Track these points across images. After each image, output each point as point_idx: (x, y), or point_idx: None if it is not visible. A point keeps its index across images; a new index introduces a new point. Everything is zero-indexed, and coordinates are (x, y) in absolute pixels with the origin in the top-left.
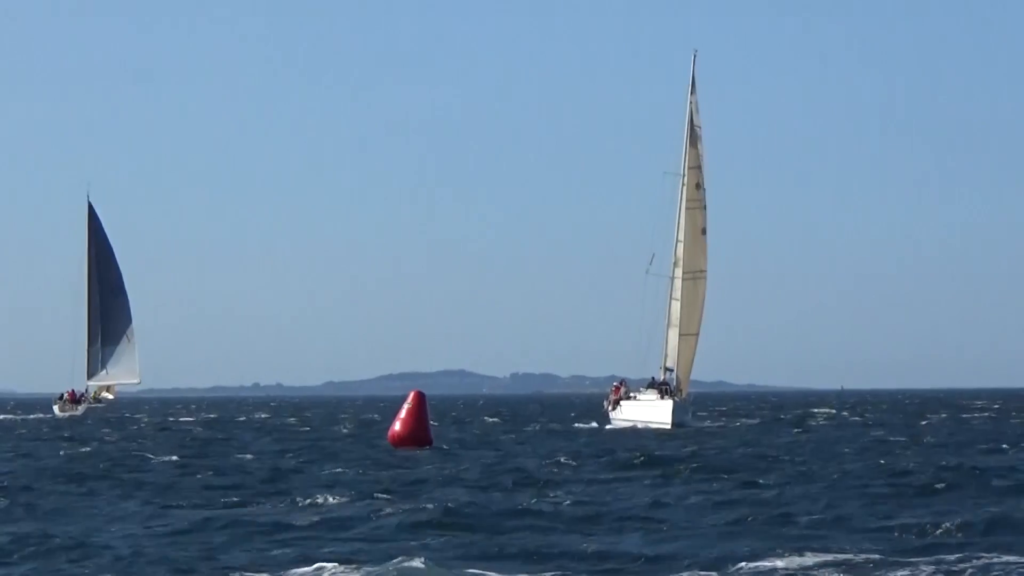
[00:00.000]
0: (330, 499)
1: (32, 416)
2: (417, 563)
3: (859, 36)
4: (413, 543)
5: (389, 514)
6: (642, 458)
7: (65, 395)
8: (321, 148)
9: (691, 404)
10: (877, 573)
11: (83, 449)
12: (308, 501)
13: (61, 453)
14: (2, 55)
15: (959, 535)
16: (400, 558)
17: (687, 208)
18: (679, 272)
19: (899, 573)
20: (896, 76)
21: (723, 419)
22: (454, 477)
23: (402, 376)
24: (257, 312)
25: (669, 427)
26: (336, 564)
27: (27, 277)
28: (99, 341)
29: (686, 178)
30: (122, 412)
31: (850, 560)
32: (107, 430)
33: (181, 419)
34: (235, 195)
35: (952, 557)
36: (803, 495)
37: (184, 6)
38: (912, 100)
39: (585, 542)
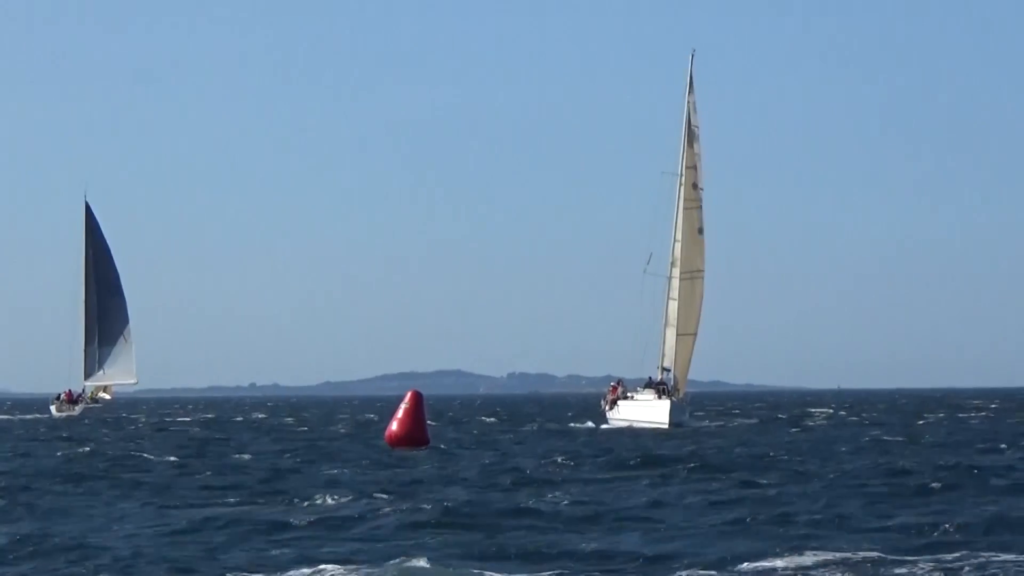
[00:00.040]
0: (329, 499)
1: (29, 416)
2: (421, 563)
3: (857, 36)
4: (412, 543)
5: (388, 514)
6: (640, 458)
7: (62, 395)
8: (318, 148)
9: (688, 404)
10: (876, 572)
11: (81, 449)
12: (307, 501)
13: (59, 454)
14: (0, 55)
15: (957, 534)
16: (401, 558)
17: (684, 208)
18: (676, 272)
19: (898, 572)
20: (894, 75)
21: (721, 419)
22: (452, 477)
23: (399, 376)
24: (254, 312)
25: (666, 427)
26: (337, 565)
27: (25, 277)
28: (96, 341)
29: (683, 178)
30: (119, 412)
31: (849, 559)
32: (105, 430)
33: (178, 419)
34: (233, 195)
35: (951, 556)
36: (802, 495)
37: (183, 6)
38: (910, 100)
39: (584, 542)
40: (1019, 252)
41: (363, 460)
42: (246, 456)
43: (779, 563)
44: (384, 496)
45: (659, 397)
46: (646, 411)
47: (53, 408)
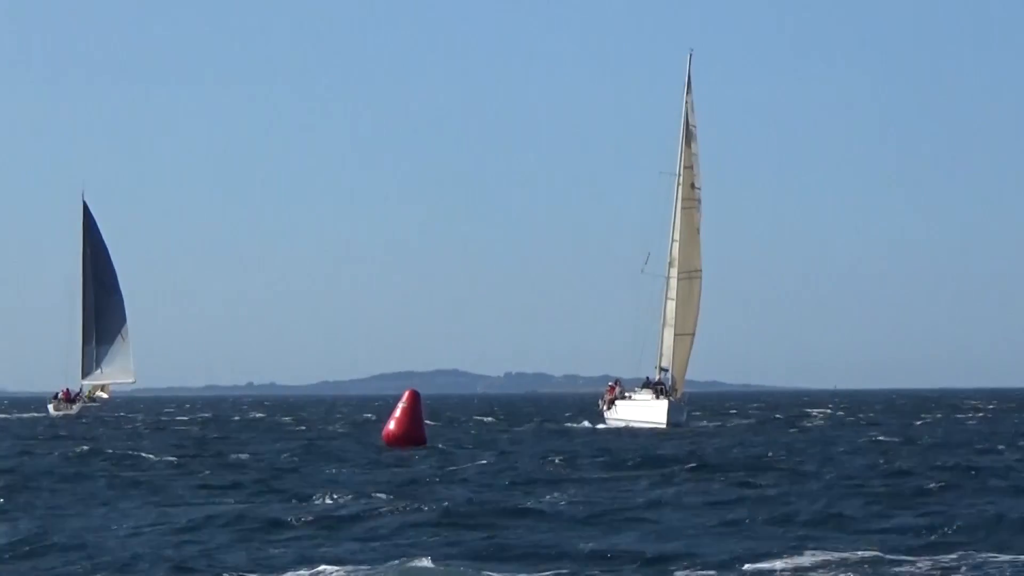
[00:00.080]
0: (328, 499)
1: (26, 415)
2: (424, 563)
3: (855, 36)
4: (412, 543)
5: (387, 514)
6: (639, 458)
7: (60, 394)
8: (316, 148)
9: (686, 404)
10: (875, 572)
11: (78, 448)
12: (306, 501)
13: (57, 453)
14: None
15: (956, 535)
16: (402, 559)
17: (682, 208)
18: (674, 272)
19: (896, 572)
20: (892, 75)
21: (718, 419)
22: (451, 477)
23: (396, 375)
24: (252, 311)
25: (664, 427)
26: (337, 566)
27: (22, 275)
28: (93, 340)
29: (681, 177)
30: (117, 411)
31: (848, 559)
32: (102, 429)
33: (176, 418)
34: (230, 194)
35: (949, 557)
36: (801, 495)
37: (181, 5)
38: (908, 99)
39: (583, 542)
40: (1016, 252)
41: (362, 460)
42: (244, 455)
43: (778, 563)
44: (383, 496)
45: (657, 397)
46: (644, 411)
47: (50, 407)
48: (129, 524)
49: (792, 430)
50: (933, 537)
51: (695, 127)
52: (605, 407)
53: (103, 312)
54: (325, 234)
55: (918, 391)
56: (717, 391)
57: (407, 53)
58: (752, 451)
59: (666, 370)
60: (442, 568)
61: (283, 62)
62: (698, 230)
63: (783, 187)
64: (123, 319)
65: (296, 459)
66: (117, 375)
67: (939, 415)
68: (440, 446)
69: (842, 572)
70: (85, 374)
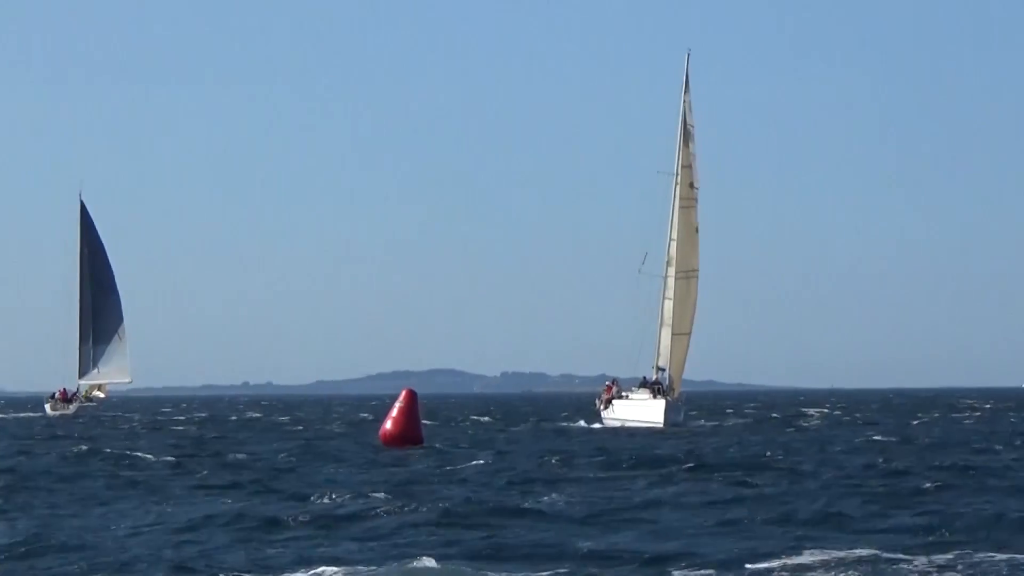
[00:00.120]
0: (326, 499)
1: (23, 415)
2: (425, 562)
3: (853, 35)
4: (411, 543)
5: (386, 514)
6: (636, 458)
7: (56, 394)
8: (316, 148)
9: (683, 403)
10: (873, 572)
11: (75, 448)
12: (305, 501)
13: (54, 453)
14: None
15: (953, 534)
16: (404, 559)
17: (680, 207)
18: (672, 271)
19: (894, 571)
20: (889, 74)
21: (715, 419)
22: (449, 477)
23: (393, 375)
24: (248, 311)
25: (661, 426)
26: (337, 566)
27: (19, 275)
28: (90, 340)
29: (679, 177)
30: (113, 411)
31: (846, 559)
32: (100, 429)
33: (173, 418)
34: (227, 194)
35: (947, 556)
36: (799, 494)
37: (181, 5)
38: (908, 99)
39: (581, 542)
40: (1016, 252)
41: (359, 459)
42: (242, 455)
43: (777, 563)
44: (381, 496)
45: (654, 396)
46: (641, 410)
47: (47, 407)
48: (127, 524)
49: (789, 430)
50: (931, 536)
51: (693, 127)
52: (602, 407)
53: (100, 312)
54: (321, 234)
55: (914, 390)
56: (713, 390)
57: (407, 53)
58: (750, 451)
59: (663, 369)
60: (443, 568)
61: (283, 62)
62: (696, 230)
63: (783, 187)
64: (120, 319)
65: (293, 459)
66: (114, 375)
67: (936, 415)
68: (437, 446)
69: (841, 571)
70: (82, 374)
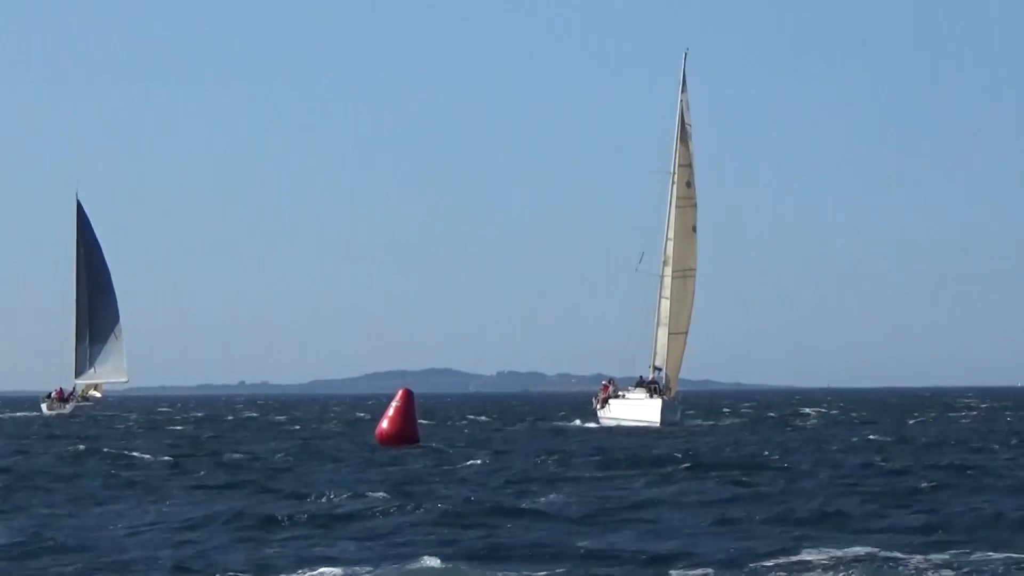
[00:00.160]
0: (324, 499)
1: (19, 414)
2: (426, 563)
3: (851, 34)
4: (410, 543)
5: (384, 514)
6: (634, 457)
7: (53, 393)
8: (316, 148)
9: (680, 403)
10: (870, 571)
11: (71, 448)
12: (303, 501)
13: (52, 453)
14: None
15: (952, 533)
16: (405, 560)
17: (677, 206)
18: (669, 270)
19: (892, 571)
20: (887, 74)
21: (712, 418)
22: (447, 476)
23: (389, 374)
24: (244, 310)
25: (658, 426)
26: (336, 567)
27: (15, 274)
28: (87, 339)
29: (676, 176)
30: (110, 411)
31: (844, 558)
32: (96, 429)
33: (170, 418)
34: (224, 194)
35: (944, 555)
36: (796, 493)
37: (181, 5)
38: (908, 99)
39: (580, 541)
40: (1016, 252)
41: (356, 459)
42: (240, 455)
43: (775, 562)
44: (380, 495)
45: (651, 396)
46: (638, 410)
47: (44, 406)
48: (125, 524)
49: (787, 429)
50: (928, 536)
51: (690, 126)
52: (599, 406)
53: (96, 311)
54: (318, 233)
55: (911, 389)
56: (709, 390)
57: (407, 53)
58: (747, 450)
59: (660, 369)
60: (446, 568)
61: (283, 62)
62: (693, 229)
63: (782, 187)
64: (116, 318)
65: (291, 459)
66: (110, 374)
67: (933, 414)
68: (434, 445)
69: (839, 571)
70: (78, 373)
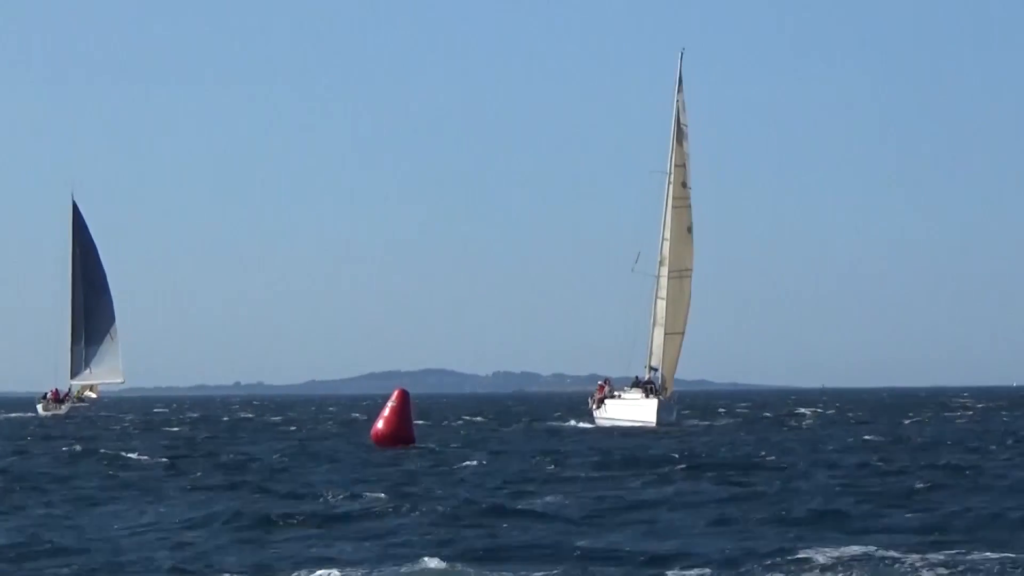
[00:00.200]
0: (322, 500)
1: (14, 415)
2: (427, 563)
3: (853, 35)
4: (408, 543)
5: (382, 514)
6: (631, 457)
7: (48, 394)
8: (316, 148)
9: (676, 403)
10: (868, 570)
11: (67, 448)
12: (301, 502)
13: (48, 454)
14: None
15: (949, 533)
16: (405, 562)
17: (673, 206)
18: (665, 271)
19: (891, 570)
20: (884, 73)
21: (708, 418)
22: (444, 477)
23: (384, 375)
24: (239, 310)
25: (654, 426)
26: (335, 568)
27: (10, 275)
28: (82, 340)
29: (672, 176)
30: (106, 411)
31: (842, 557)
32: (93, 430)
33: (166, 418)
34: (219, 194)
35: (942, 555)
36: (794, 493)
37: (181, 5)
38: (908, 99)
39: (578, 541)
40: (1016, 252)
41: (353, 460)
42: (236, 456)
43: (772, 562)
44: (377, 496)
45: (647, 396)
46: (634, 410)
47: (39, 407)
48: (122, 525)
49: (783, 429)
50: (925, 536)
51: (686, 126)
52: (595, 406)
53: (92, 312)
54: (313, 234)
55: (906, 389)
56: (704, 390)
57: (407, 53)
58: (743, 450)
59: (656, 369)
60: (448, 569)
61: (283, 62)
62: (689, 229)
63: (782, 186)
64: (112, 319)
65: (287, 459)
66: (106, 375)
67: (929, 414)
68: (431, 446)
69: (836, 571)
70: (74, 374)
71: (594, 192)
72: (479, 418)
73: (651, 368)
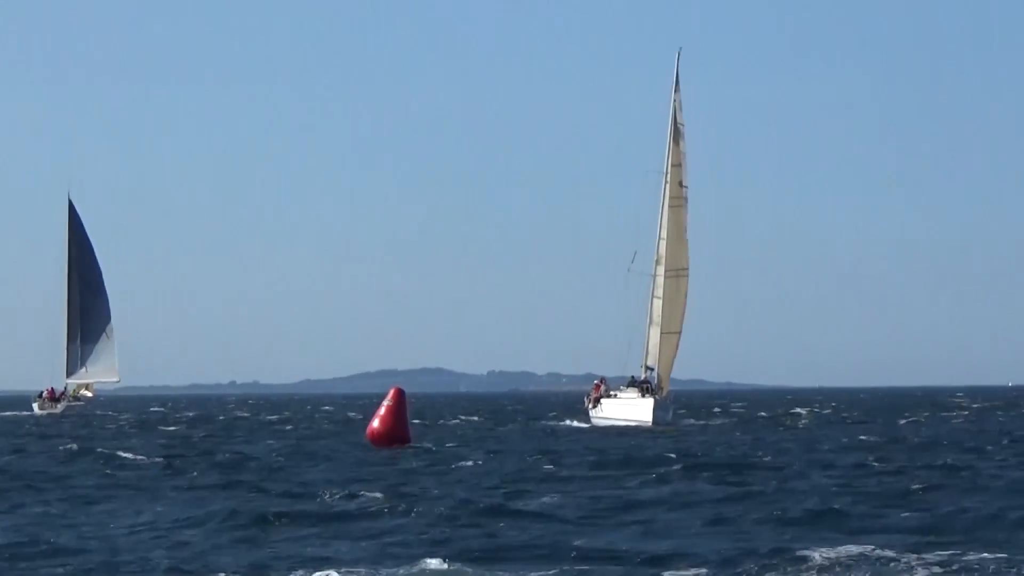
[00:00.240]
0: (320, 499)
1: (10, 413)
2: (433, 564)
3: (853, 35)
4: (405, 543)
5: (380, 514)
6: (628, 457)
7: (44, 393)
8: (316, 148)
9: (672, 402)
10: (865, 570)
11: (63, 448)
12: (298, 501)
13: (45, 453)
14: None
15: (945, 534)
16: (411, 561)
17: (670, 206)
18: (661, 270)
19: (887, 570)
20: (880, 73)
21: (704, 418)
22: (441, 477)
23: (379, 374)
24: (235, 310)
25: (650, 425)
26: (334, 568)
27: (7, 274)
28: (78, 339)
29: (669, 176)
30: (102, 410)
31: (840, 557)
32: (89, 429)
33: (162, 417)
34: (215, 194)
35: (939, 555)
36: (791, 493)
37: (181, 5)
38: (908, 99)
39: (574, 541)
40: (1016, 252)
41: (350, 459)
42: (233, 455)
43: (769, 562)
44: (374, 496)
45: (642, 395)
46: (630, 409)
47: (35, 406)
48: (119, 525)
49: (780, 428)
50: (922, 536)
51: (683, 125)
52: (591, 405)
53: (88, 311)
54: (308, 233)
55: (902, 389)
56: (700, 389)
57: (407, 53)
58: (740, 450)
59: (652, 368)
60: (443, 570)
61: (283, 62)
62: (685, 228)
63: (782, 187)
64: (108, 318)
65: (282, 459)
66: (102, 374)
67: (925, 414)
68: (427, 445)
69: (832, 571)
70: (70, 373)
71: (591, 192)
72: (475, 417)
73: (647, 367)
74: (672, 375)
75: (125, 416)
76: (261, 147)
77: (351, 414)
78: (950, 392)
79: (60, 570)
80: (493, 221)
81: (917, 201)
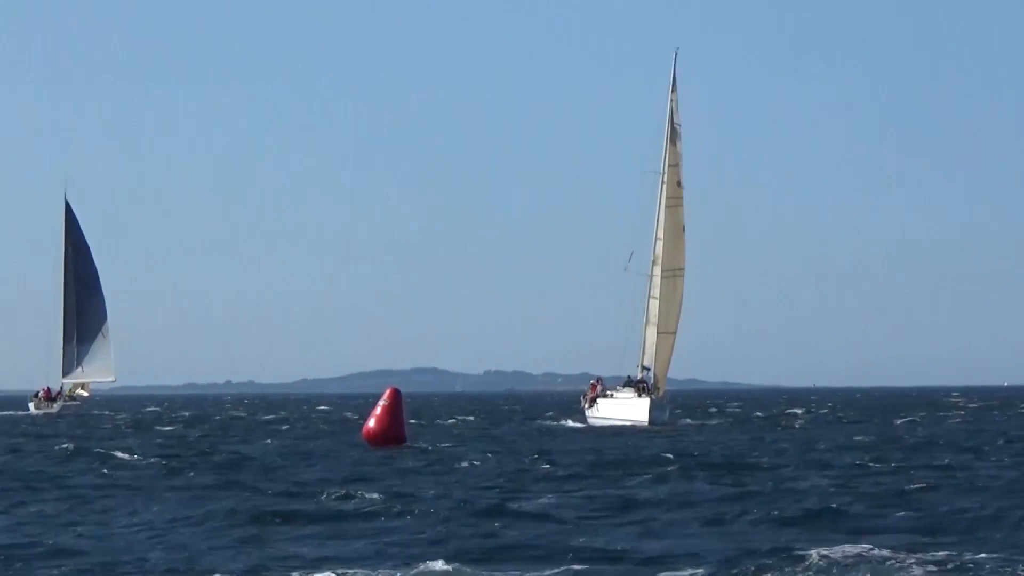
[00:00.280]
0: (317, 499)
1: (5, 413)
2: (433, 564)
3: (853, 35)
4: (403, 543)
5: (378, 514)
6: (625, 457)
7: (40, 393)
8: (312, 147)
9: (668, 402)
10: (864, 570)
11: (59, 447)
12: (296, 501)
13: (41, 452)
14: None
15: (943, 534)
16: (412, 562)
17: (667, 206)
18: (658, 270)
19: (885, 570)
20: (878, 73)
21: (700, 418)
22: (438, 477)
23: (375, 374)
24: (230, 309)
25: (647, 425)
26: (333, 568)
27: (2, 274)
28: (74, 339)
29: (666, 176)
30: (98, 410)
31: (838, 557)
32: (85, 429)
33: (158, 417)
34: (212, 194)
35: (936, 555)
36: (787, 493)
37: (181, 5)
38: (908, 99)
39: (572, 541)
40: (1016, 252)
41: (347, 458)
42: (230, 455)
43: (767, 562)
44: (372, 496)
45: (639, 395)
46: (626, 409)
47: (31, 405)
48: (116, 525)
49: (776, 428)
50: (920, 536)
51: (680, 125)
52: (587, 405)
53: (84, 311)
54: (305, 233)
55: (898, 389)
56: (696, 389)
57: (407, 53)
58: (737, 449)
59: (648, 368)
60: (443, 570)
61: (283, 62)
62: (683, 228)
63: (782, 187)
64: (104, 318)
65: (279, 458)
66: (97, 374)
67: (922, 414)
68: (423, 445)
69: (830, 570)
70: (66, 373)
71: (588, 192)
72: (471, 418)
73: (643, 367)
74: (668, 375)
75: (121, 416)
76: (260, 147)
77: (347, 414)
78: (946, 392)
79: (57, 571)
80: (490, 221)
81: (916, 201)
